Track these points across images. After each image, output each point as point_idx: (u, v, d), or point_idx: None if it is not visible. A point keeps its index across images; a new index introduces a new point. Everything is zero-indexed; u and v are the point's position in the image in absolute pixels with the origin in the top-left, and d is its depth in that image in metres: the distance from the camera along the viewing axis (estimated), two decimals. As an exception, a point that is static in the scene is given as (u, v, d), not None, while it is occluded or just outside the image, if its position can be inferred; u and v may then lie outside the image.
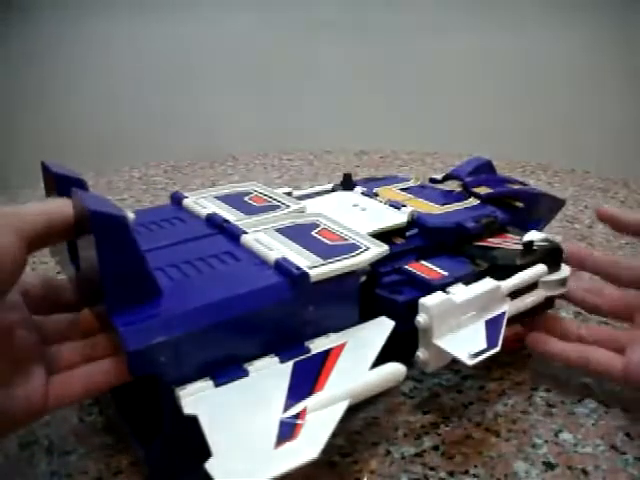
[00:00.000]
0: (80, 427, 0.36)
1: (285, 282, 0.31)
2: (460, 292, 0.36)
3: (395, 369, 0.31)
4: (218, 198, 0.43)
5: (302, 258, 0.33)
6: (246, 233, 0.36)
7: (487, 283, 0.37)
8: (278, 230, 0.37)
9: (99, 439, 0.35)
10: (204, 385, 0.29)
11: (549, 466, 0.33)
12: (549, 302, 0.40)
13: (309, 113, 1.61)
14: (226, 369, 0.29)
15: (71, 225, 0.28)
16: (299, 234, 0.37)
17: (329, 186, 0.50)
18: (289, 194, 0.47)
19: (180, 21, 1.62)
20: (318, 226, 0.38)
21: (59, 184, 0.32)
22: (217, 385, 0.29)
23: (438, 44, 1.54)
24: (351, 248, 0.34)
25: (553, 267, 0.40)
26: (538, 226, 0.48)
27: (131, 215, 0.29)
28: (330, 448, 0.33)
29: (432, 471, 0.33)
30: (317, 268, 0.32)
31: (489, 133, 1.44)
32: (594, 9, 1.43)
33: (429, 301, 0.34)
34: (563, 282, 0.40)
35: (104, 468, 0.33)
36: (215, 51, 1.64)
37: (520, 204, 0.47)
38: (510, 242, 0.41)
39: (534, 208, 0.48)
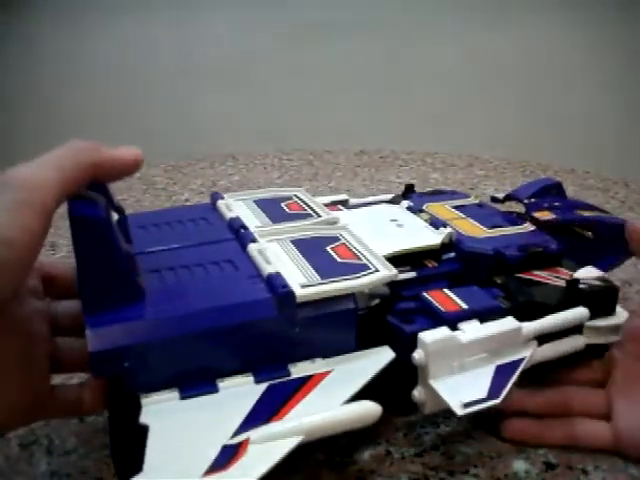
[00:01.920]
0: (80, 427, 0.36)
1: (271, 299, 0.30)
2: (470, 330, 0.32)
3: (367, 409, 0.28)
4: (255, 201, 0.42)
5: (301, 274, 0.32)
6: (254, 242, 0.35)
7: (506, 323, 0.33)
8: (293, 241, 0.36)
9: (99, 439, 0.34)
10: (169, 396, 0.28)
11: (549, 466, 0.33)
12: (598, 350, 0.36)
13: (309, 113, 1.61)
14: (196, 382, 0.28)
15: (90, 175, 0.27)
16: (312, 247, 0.35)
17: (388, 196, 0.47)
18: (345, 202, 0.46)
19: (180, 21, 1.62)
20: (337, 240, 0.36)
21: None
22: (182, 398, 0.28)
23: (438, 44, 1.55)
24: (359, 269, 0.32)
25: (603, 311, 0.35)
26: (615, 262, 0.42)
27: (115, 216, 0.29)
28: (330, 448, 0.33)
29: (432, 471, 0.33)
30: (308, 288, 0.30)
31: (489, 133, 1.44)
32: (595, 8, 1.43)
33: (428, 337, 0.31)
34: (615, 329, 0.35)
35: (104, 468, 0.32)
36: (215, 51, 1.64)
37: (590, 234, 0.41)
38: (559, 278, 0.37)
39: (609, 240, 0.40)
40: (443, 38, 1.54)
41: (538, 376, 0.35)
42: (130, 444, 0.26)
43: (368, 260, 0.33)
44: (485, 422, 0.36)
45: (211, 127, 1.61)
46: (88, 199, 0.28)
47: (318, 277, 0.32)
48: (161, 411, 0.27)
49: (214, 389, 0.29)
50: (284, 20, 1.59)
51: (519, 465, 0.33)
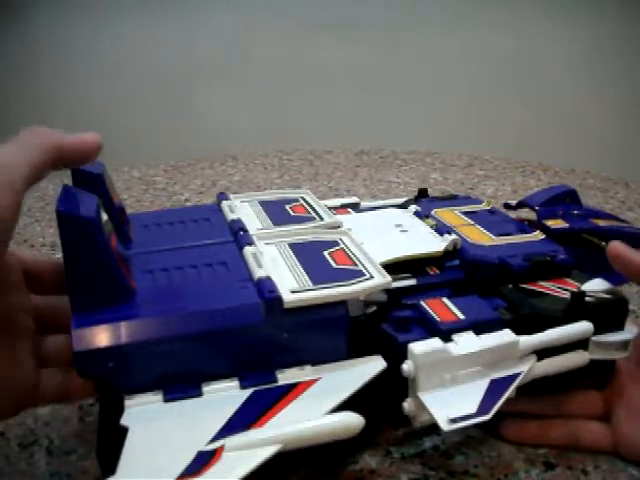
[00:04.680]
0: (80, 427, 0.36)
1: (258, 304, 0.29)
2: (464, 342, 0.31)
3: (349, 421, 0.27)
4: (260, 203, 0.42)
5: (293, 279, 0.31)
6: (250, 245, 0.34)
7: (502, 336, 0.32)
8: (291, 245, 0.35)
9: (99, 439, 0.34)
10: (152, 399, 0.28)
11: (549, 466, 0.33)
12: (606, 366, 0.35)
13: (309, 113, 1.61)
14: (180, 386, 0.28)
15: (53, 158, 0.28)
16: (309, 252, 0.35)
17: (400, 200, 0.46)
18: (357, 205, 0.45)
19: (180, 21, 1.62)
20: (336, 245, 0.35)
21: (74, 177, 0.32)
22: (166, 401, 0.28)
23: (438, 43, 1.55)
24: (353, 275, 0.32)
25: (611, 326, 0.34)
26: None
27: (104, 216, 0.29)
28: (330, 448, 0.33)
29: (432, 471, 0.33)
30: (297, 293, 0.30)
31: (489, 133, 1.44)
32: (595, 8, 1.43)
33: (417, 348, 0.30)
34: (623, 345, 0.34)
35: (104, 468, 0.33)
36: (215, 51, 1.64)
37: (604, 245, 0.39)
38: (566, 289, 0.35)
39: None
40: (443, 38, 1.54)
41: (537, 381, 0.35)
42: (111, 444, 0.26)
43: (364, 266, 0.33)
44: (485, 423, 0.36)
45: (211, 127, 1.61)
46: (77, 197, 0.28)
47: (310, 283, 0.31)
48: (142, 413, 0.27)
49: (198, 393, 0.28)
50: (284, 20, 1.59)
51: (519, 465, 0.33)
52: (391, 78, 1.59)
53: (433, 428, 0.35)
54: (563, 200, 0.44)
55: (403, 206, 0.45)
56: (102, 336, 0.27)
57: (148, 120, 1.64)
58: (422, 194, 0.48)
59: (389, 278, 0.32)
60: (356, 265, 0.33)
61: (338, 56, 1.60)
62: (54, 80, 1.69)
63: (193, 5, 1.61)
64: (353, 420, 0.27)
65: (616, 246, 0.34)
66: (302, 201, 0.42)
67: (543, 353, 0.33)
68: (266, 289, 0.30)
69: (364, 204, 0.46)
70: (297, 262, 0.33)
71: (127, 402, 0.28)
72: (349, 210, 0.45)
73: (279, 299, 0.29)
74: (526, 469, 0.33)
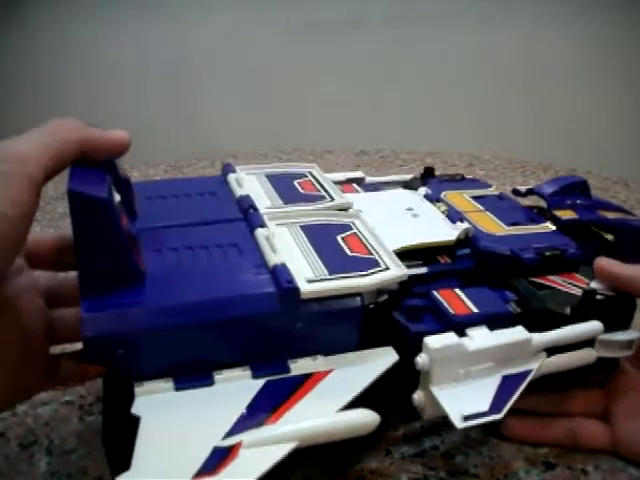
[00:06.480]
0: (80, 427, 0.36)
1: (274, 293, 0.29)
2: (478, 337, 0.31)
3: (365, 418, 0.27)
4: (267, 176, 0.40)
5: (308, 267, 0.31)
6: (262, 227, 0.33)
7: (516, 333, 0.31)
8: (303, 227, 0.34)
9: (99, 439, 0.34)
10: (163, 386, 0.27)
11: (549, 466, 0.33)
12: (610, 364, 0.35)
13: (309, 113, 1.61)
14: (192, 374, 0.28)
15: (76, 152, 0.27)
16: (323, 236, 0.34)
17: (407, 177, 0.45)
18: (362, 180, 0.44)
19: (180, 21, 1.62)
20: (349, 229, 0.35)
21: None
22: (177, 389, 0.27)
23: (438, 43, 1.54)
24: (368, 265, 0.31)
25: (618, 324, 0.34)
26: None
27: (117, 197, 0.28)
28: (330, 448, 0.33)
29: (432, 471, 0.33)
30: (314, 283, 0.29)
31: (489, 133, 1.44)
32: (595, 8, 1.43)
33: (433, 342, 0.30)
34: (627, 345, 0.34)
35: (104, 468, 0.32)
36: (215, 51, 1.64)
37: (611, 238, 0.39)
38: (575, 285, 0.35)
39: (632, 245, 0.38)
40: (444, 37, 1.54)
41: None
42: (121, 434, 0.26)
43: (379, 255, 0.32)
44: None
45: (211, 127, 1.61)
46: (89, 176, 0.27)
47: (326, 272, 0.30)
48: (154, 403, 0.27)
49: (210, 382, 0.28)
50: (284, 20, 1.58)
51: (519, 465, 0.33)
52: (391, 78, 1.59)
53: (433, 428, 0.35)
54: (574, 190, 0.43)
55: (409, 184, 0.44)
56: (112, 322, 0.27)
57: (148, 120, 1.64)
58: (428, 173, 0.46)
59: (405, 270, 0.31)
60: (371, 254, 0.32)
61: (338, 56, 1.60)
62: (54, 79, 1.69)
63: (193, 5, 1.60)
64: (368, 417, 0.27)
65: (601, 260, 0.34)
66: (310, 177, 0.41)
67: (551, 350, 0.33)
68: (284, 278, 0.29)
69: (369, 179, 0.44)
70: (311, 247, 0.33)
71: (137, 390, 0.27)
72: (354, 186, 0.43)
73: (296, 290, 0.29)
74: (526, 469, 0.33)
